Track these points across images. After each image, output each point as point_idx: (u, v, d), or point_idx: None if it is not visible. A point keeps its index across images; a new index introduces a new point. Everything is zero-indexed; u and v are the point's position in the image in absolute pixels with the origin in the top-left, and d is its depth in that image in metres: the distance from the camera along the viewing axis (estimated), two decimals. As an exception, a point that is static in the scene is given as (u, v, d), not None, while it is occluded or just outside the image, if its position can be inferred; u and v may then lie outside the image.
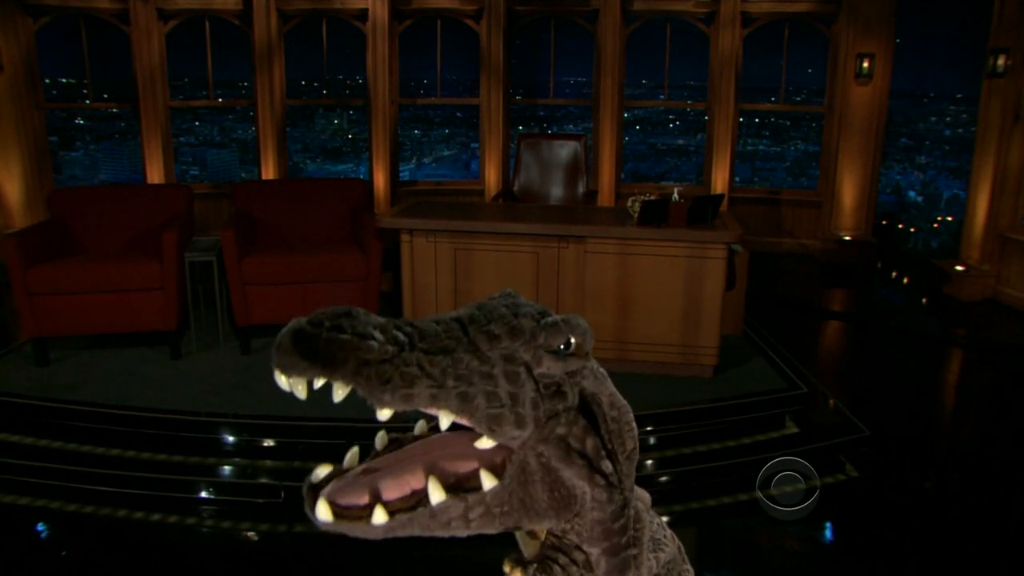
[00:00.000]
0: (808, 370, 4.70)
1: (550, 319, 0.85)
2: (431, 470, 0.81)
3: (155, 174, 7.59)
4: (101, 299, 4.44)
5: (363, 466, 0.85)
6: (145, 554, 3.26)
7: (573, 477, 0.84)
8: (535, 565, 0.89)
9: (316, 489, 0.80)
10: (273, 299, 4.66)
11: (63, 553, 3.27)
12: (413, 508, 0.79)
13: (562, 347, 0.84)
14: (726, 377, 4.36)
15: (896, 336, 5.99)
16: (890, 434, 4.22)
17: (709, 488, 3.70)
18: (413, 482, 0.80)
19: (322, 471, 0.84)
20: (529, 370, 0.82)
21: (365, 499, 0.79)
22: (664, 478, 3.76)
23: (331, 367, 0.73)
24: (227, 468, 3.73)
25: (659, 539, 1.01)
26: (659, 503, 3.48)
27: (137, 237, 4.98)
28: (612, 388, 0.92)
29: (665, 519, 1.00)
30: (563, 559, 0.88)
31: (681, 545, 1.03)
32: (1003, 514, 3.62)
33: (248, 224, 5.03)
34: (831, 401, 4.56)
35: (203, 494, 3.62)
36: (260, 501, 3.58)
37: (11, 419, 4.00)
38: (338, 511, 0.78)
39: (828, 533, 3.43)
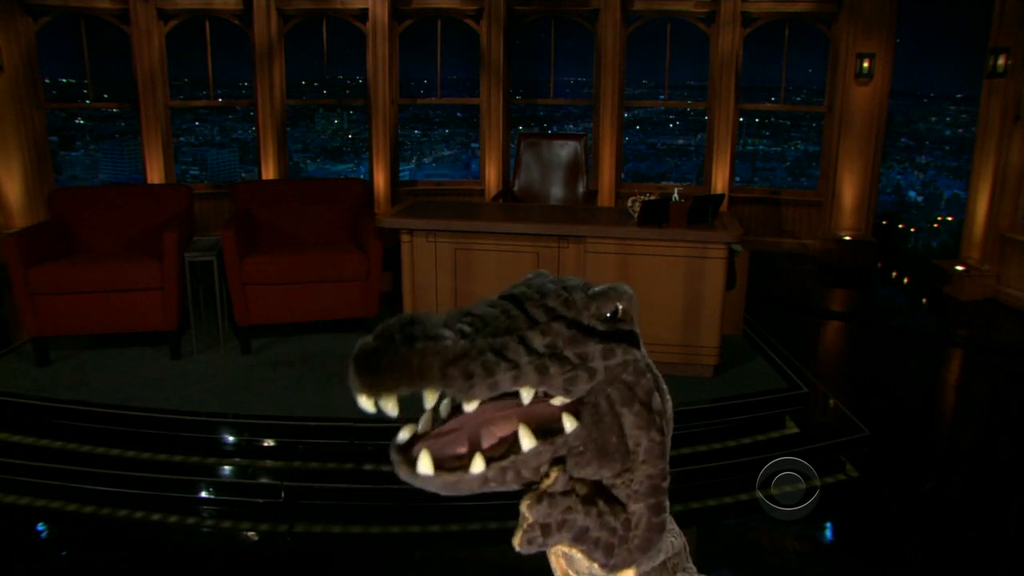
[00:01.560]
0: (808, 370, 4.70)
1: (598, 288, 0.89)
2: (517, 419, 0.83)
3: (155, 174, 7.60)
4: (101, 299, 4.44)
5: (444, 427, 0.86)
6: (145, 554, 3.26)
7: (633, 425, 0.88)
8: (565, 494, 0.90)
9: (407, 448, 0.81)
10: (273, 299, 4.66)
11: (63, 553, 3.27)
12: (506, 456, 0.81)
13: (609, 315, 0.88)
14: (726, 377, 4.36)
15: (896, 336, 5.99)
16: (890, 434, 4.22)
17: (709, 488, 3.70)
18: (500, 432, 0.83)
19: (406, 433, 0.84)
20: (587, 331, 0.86)
21: (464, 449, 0.81)
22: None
23: (419, 376, 0.72)
24: (227, 468, 3.73)
25: (670, 528, 1.02)
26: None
27: (137, 237, 4.98)
28: (650, 359, 0.96)
29: (666, 518, 1.02)
30: (601, 505, 0.90)
31: (686, 543, 1.04)
32: (1003, 514, 3.62)
33: (248, 224, 5.03)
34: (831, 401, 4.56)
35: (203, 494, 3.62)
36: (260, 501, 3.58)
37: (11, 419, 4.00)
38: (438, 462, 0.79)
39: (828, 533, 3.43)
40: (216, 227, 6.35)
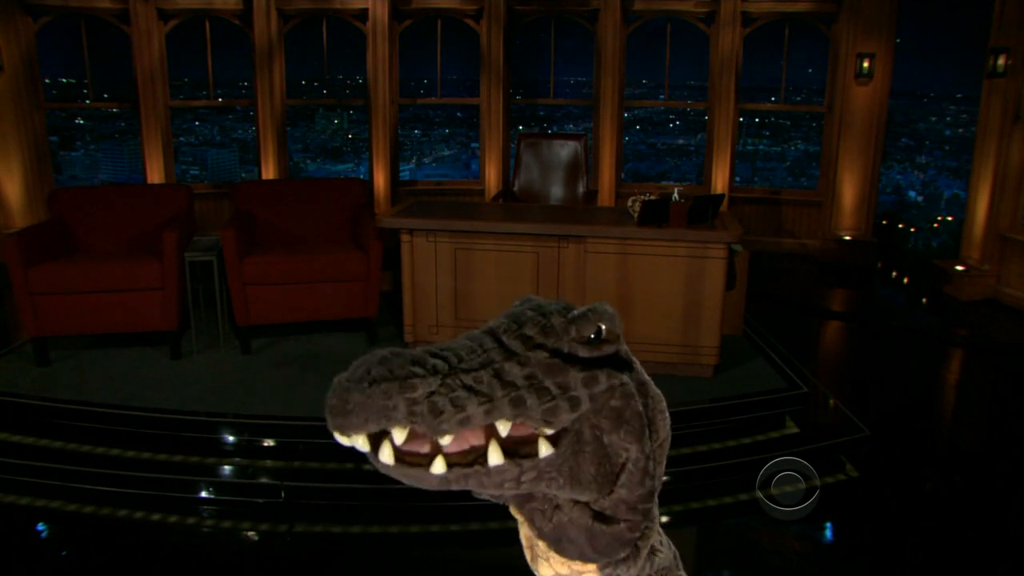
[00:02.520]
0: (808, 370, 4.70)
1: (577, 311, 0.87)
2: (491, 429, 0.82)
3: (155, 174, 7.60)
4: (102, 299, 4.44)
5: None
6: (145, 554, 3.26)
7: (623, 442, 0.86)
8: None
9: (378, 435, 0.81)
10: (273, 299, 4.66)
11: (63, 553, 3.28)
12: (470, 464, 0.80)
13: (593, 336, 0.85)
14: (726, 377, 4.36)
15: (896, 336, 5.99)
16: (890, 434, 4.22)
17: (709, 488, 3.70)
18: (472, 439, 0.81)
19: None
20: (567, 359, 0.84)
21: (427, 448, 0.80)
22: (664, 478, 3.75)
23: (385, 416, 0.74)
24: (227, 468, 3.73)
25: (654, 543, 1.00)
26: (659, 503, 3.48)
27: (137, 237, 4.98)
28: (646, 375, 0.94)
29: (664, 519, 1.01)
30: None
31: (677, 552, 1.03)
32: (1003, 514, 3.62)
33: (248, 224, 5.03)
34: (831, 401, 4.56)
35: (203, 494, 3.63)
36: (260, 501, 3.59)
37: (11, 419, 4.00)
38: (399, 455, 0.79)
39: (828, 533, 3.43)
40: (216, 227, 6.34)
